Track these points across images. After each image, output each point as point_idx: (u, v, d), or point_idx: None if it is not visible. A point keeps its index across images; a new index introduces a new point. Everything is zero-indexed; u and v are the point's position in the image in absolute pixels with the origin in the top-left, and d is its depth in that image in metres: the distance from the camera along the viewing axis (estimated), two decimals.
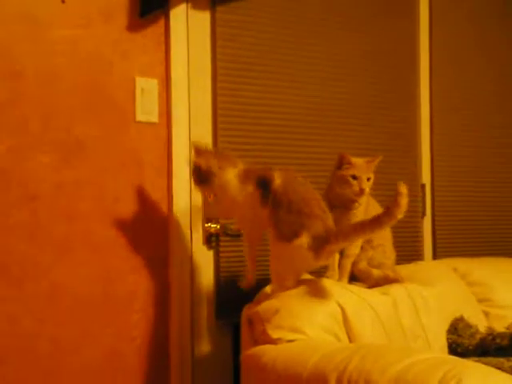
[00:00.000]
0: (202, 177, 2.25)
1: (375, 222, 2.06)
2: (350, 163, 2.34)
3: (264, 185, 2.19)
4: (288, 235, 2.11)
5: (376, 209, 2.44)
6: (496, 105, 3.42)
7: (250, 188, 2.21)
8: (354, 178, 2.32)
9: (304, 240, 2.10)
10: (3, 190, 2.24)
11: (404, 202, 2.03)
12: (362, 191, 2.32)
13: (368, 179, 2.34)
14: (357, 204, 2.35)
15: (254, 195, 2.20)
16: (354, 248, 2.34)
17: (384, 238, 2.43)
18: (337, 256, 2.32)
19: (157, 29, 2.51)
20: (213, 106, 2.61)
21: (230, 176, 2.22)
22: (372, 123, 3.01)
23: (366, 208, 2.38)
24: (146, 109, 2.48)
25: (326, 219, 2.16)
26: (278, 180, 2.18)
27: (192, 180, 2.36)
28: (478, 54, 3.36)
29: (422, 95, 3.18)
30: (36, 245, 2.29)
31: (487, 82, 3.39)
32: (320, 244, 2.09)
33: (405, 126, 3.12)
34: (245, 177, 2.23)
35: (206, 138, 2.59)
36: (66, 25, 2.35)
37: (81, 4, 2.37)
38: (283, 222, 2.13)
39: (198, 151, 2.29)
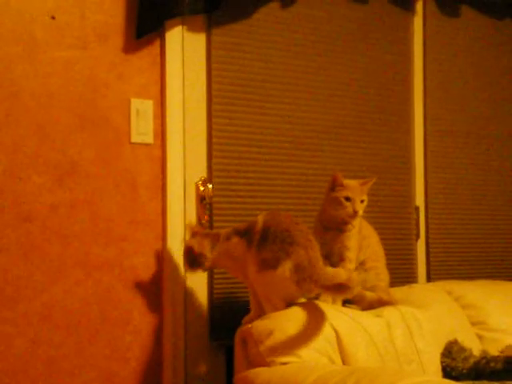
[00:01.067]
0: (193, 260, 2.28)
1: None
2: (342, 185, 2.34)
3: (247, 231, 2.21)
4: (271, 263, 2.12)
5: (369, 231, 2.45)
6: (490, 127, 3.43)
7: (235, 240, 2.24)
8: (348, 199, 2.32)
9: (286, 267, 2.10)
10: None
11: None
12: (355, 213, 2.32)
13: (362, 201, 2.33)
14: (350, 226, 2.35)
15: (240, 244, 2.22)
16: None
17: (377, 260, 2.43)
18: None
19: (152, 50, 2.52)
20: (207, 128, 2.62)
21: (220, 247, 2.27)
22: (365, 145, 3.01)
23: (360, 230, 2.37)
24: (141, 130, 2.49)
25: (311, 249, 2.14)
26: (260, 221, 2.20)
27: (183, 264, 2.38)
28: (472, 76, 3.38)
29: (416, 117, 3.19)
30: (30, 265, 2.28)
31: (481, 104, 3.40)
32: (302, 276, 2.09)
33: (398, 148, 3.12)
34: (229, 234, 2.26)
35: (200, 159, 2.60)
36: (62, 46, 2.36)
37: (77, 26, 2.38)
38: (267, 252, 2.13)
39: (193, 233, 2.33)
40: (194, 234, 2.33)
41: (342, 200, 2.32)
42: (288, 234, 2.14)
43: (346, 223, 2.34)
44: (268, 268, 2.12)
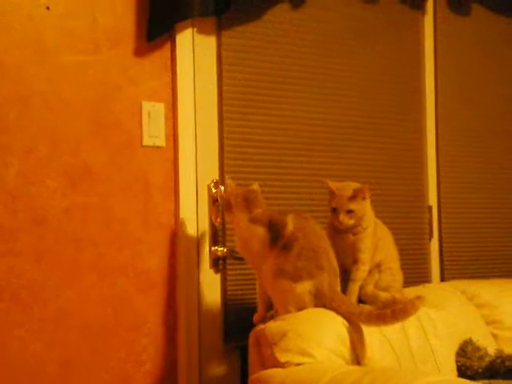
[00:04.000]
0: (228, 206, 2.28)
1: (378, 317, 2.06)
2: (333, 193, 2.30)
3: (276, 229, 2.20)
4: (293, 276, 2.12)
5: (384, 232, 2.43)
6: (503, 125, 3.42)
7: (261, 230, 2.22)
8: (334, 210, 2.29)
9: (307, 287, 2.12)
10: (11, 214, 2.25)
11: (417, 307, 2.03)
12: (340, 224, 2.28)
13: (349, 211, 2.27)
14: (359, 229, 2.31)
15: (265, 238, 2.21)
16: (362, 272, 2.32)
17: (393, 261, 2.42)
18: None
19: (163, 53, 2.53)
20: (219, 129, 2.62)
21: (244, 219, 2.24)
22: (378, 145, 3.01)
23: (375, 232, 2.36)
24: (153, 133, 2.50)
25: (333, 276, 2.17)
26: (290, 225, 2.18)
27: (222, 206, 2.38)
28: (484, 74, 3.37)
29: (428, 116, 3.18)
30: (44, 269, 2.29)
31: (493, 102, 3.39)
32: (320, 300, 2.13)
33: (410, 148, 3.12)
34: (257, 219, 2.23)
35: (212, 161, 2.60)
36: (73, 50, 2.37)
37: (88, 30, 2.39)
38: (290, 264, 2.13)
39: (235, 194, 2.30)
40: (235, 194, 2.30)
41: (331, 209, 2.30)
42: (315, 255, 2.14)
43: (352, 228, 2.31)
44: (287, 279, 2.13)
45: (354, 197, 2.26)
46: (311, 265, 2.13)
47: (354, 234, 2.31)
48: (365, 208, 2.29)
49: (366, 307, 2.27)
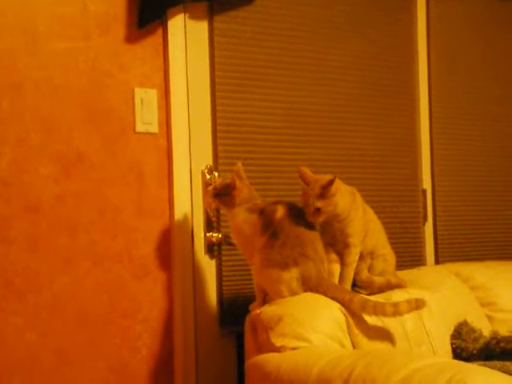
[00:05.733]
0: (224, 193, 2.26)
1: (363, 302, 2.10)
2: (303, 187, 2.22)
3: (266, 215, 2.21)
4: (280, 264, 2.14)
5: (372, 215, 2.42)
6: (497, 109, 3.41)
7: (254, 217, 2.23)
8: (305, 204, 2.21)
9: (294, 275, 2.13)
10: (4, 201, 2.25)
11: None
12: (313, 221, 2.23)
13: (317, 209, 2.18)
14: (339, 218, 2.25)
15: (257, 224, 2.22)
16: (354, 255, 2.30)
17: (384, 246, 2.42)
18: (338, 265, 2.31)
19: (155, 39, 2.51)
20: (212, 115, 2.62)
21: (242, 208, 2.25)
22: (371, 129, 3.01)
23: (365, 214, 2.35)
24: (146, 119, 2.49)
25: (320, 263, 2.18)
26: (279, 213, 2.20)
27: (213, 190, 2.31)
28: (477, 58, 3.36)
29: (422, 100, 3.18)
30: (38, 256, 2.29)
31: (487, 86, 3.39)
32: (308, 286, 2.14)
33: (404, 132, 3.12)
34: (253, 209, 2.25)
35: (205, 147, 2.60)
36: (64, 37, 2.36)
37: (79, 16, 2.38)
38: (277, 253, 2.15)
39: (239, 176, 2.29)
40: (240, 178, 2.28)
41: (302, 204, 2.23)
42: (299, 242, 2.16)
43: (331, 218, 2.26)
44: (274, 267, 2.14)
45: (321, 194, 2.17)
46: (296, 253, 2.14)
47: (339, 222, 2.28)
48: (336, 202, 2.20)
49: (360, 294, 2.27)
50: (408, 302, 2.11)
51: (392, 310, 2.09)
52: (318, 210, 2.18)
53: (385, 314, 2.10)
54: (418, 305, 2.11)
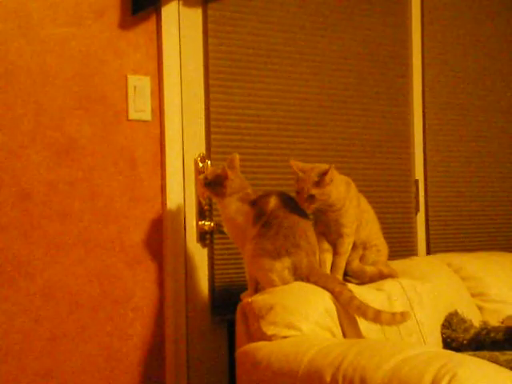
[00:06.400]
0: (220, 184, 2.25)
1: (351, 299, 2.09)
2: (296, 175, 2.21)
3: (259, 206, 2.22)
4: (272, 254, 2.14)
5: (366, 205, 2.42)
6: (490, 99, 3.42)
7: (247, 207, 2.23)
8: (297, 193, 2.21)
9: (286, 264, 2.14)
10: None
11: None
12: (305, 208, 2.22)
13: (310, 196, 2.18)
14: (334, 208, 2.25)
15: (249, 214, 2.23)
16: (347, 245, 2.31)
17: (377, 237, 2.42)
18: (329, 255, 2.31)
19: (148, 26, 2.50)
20: (205, 103, 2.61)
21: (234, 198, 2.25)
22: (364, 119, 3.01)
23: (359, 204, 2.35)
24: (139, 107, 2.48)
25: (312, 254, 2.19)
26: (272, 203, 2.20)
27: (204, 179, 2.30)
28: (472, 49, 3.36)
29: (415, 90, 3.18)
30: (30, 243, 2.28)
31: (481, 77, 3.39)
32: (300, 276, 2.15)
33: (397, 122, 3.12)
34: (245, 198, 2.25)
35: (198, 135, 2.59)
36: (57, 23, 2.34)
37: (72, 2, 2.36)
38: (269, 242, 2.15)
39: (233, 166, 2.28)
40: (233, 168, 2.27)
41: (295, 192, 2.22)
42: (292, 232, 2.16)
43: (325, 208, 2.26)
44: (266, 257, 2.15)
45: (317, 182, 2.18)
46: (289, 243, 2.15)
47: (333, 212, 2.28)
48: (330, 192, 2.20)
49: (351, 283, 2.28)
50: (393, 314, 2.07)
51: (372, 316, 2.05)
52: (312, 197, 2.18)
53: (365, 317, 2.07)
54: (402, 317, 2.06)
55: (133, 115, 2.48)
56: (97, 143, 2.41)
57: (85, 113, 2.39)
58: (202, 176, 2.32)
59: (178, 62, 2.55)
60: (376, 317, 2.06)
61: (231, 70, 2.66)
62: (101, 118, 2.42)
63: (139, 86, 2.48)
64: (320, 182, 2.18)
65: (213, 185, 2.26)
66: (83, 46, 2.39)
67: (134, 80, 2.47)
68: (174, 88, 2.54)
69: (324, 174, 2.17)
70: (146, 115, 2.50)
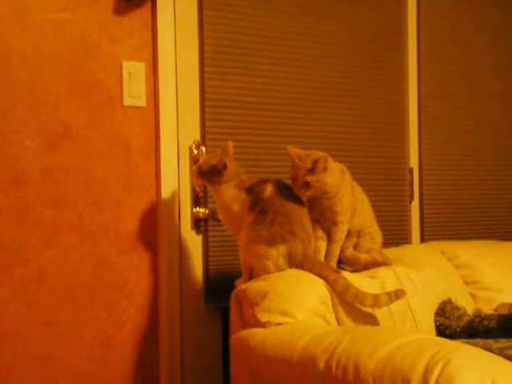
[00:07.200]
0: (210, 172, 2.24)
1: (346, 287, 2.10)
2: (293, 161, 2.22)
3: (255, 193, 2.22)
4: (267, 241, 2.14)
5: (360, 193, 2.42)
6: (486, 87, 3.42)
7: (243, 195, 2.23)
8: (293, 180, 2.22)
9: (281, 252, 2.14)
10: None
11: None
12: (300, 195, 2.22)
13: (305, 183, 2.19)
14: (328, 196, 2.25)
15: (246, 202, 2.23)
16: (341, 232, 2.31)
17: (371, 224, 2.42)
18: (324, 242, 2.32)
19: (143, 12, 2.49)
20: (200, 90, 2.60)
21: (230, 185, 2.24)
22: (359, 106, 3.01)
23: (353, 191, 2.35)
24: (134, 93, 2.47)
25: (307, 241, 2.19)
26: (268, 190, 2.20)
27: (199, 169, 2.28)
28: (467, 36, 3.36)
29: (410, 77, 3.18)
30: (24, 229, 2.28)
31: (477, 64, 3.39)
32: (294, 263, 2.15)
33: (392, 109, 3.12)
34: (241, 185, 2.25)
35: (193, 122, 2.59)
36: (52, 8, 2.33)
37: None
38: (265, 229, 2.15)
39: (226, 153, 2.28)
40: (226, 155, 2.27)
41: (291, 179, 2.23)
42: (288, 220, 2.16)
43: (320, 195, 2.26)
44: (262, 243, 2.15)
45: (312, 169, 2.18)
46: (284, 230, 2.15)
47: (328, 199, 2.28)
48: (325, 180, 2.20)
49: (346, 271, 2.28)
50: (388, 294, 2.11)
51: (371, 302, 2.09)
52: (307, 183, 2.19)
53: (363, 304, 2.10)
54: (397, 296, 2.10)
55: (127, 101, 2.47)
56: (91, 129, 2.40)
57: (79, 99, 2.38)
58: (195, 167, 2.31)
59: (173, 48, 2.54)
60: (375, 302, 2.09)
61: (227, 56, 2.65)
62: (95, 104, 2.41)
63: (134, 72, 2.47)
64: (315, 168, 2.18)
65: (207, 174, 2.25)
66: (78, 32, 2.37)
67: (128, 66, 2.46)
68: (168, 74, 2.53)
69: (320, 160, 2.18)
70: (141, 101, 2.49)
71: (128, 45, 2.46)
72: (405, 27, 3.16)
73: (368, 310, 2.15)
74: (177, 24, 2.54)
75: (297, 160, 2.21)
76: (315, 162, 2.18)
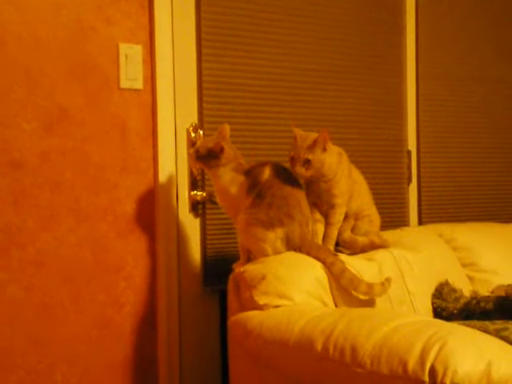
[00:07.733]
0: (207, 155, 2.23)
1: (343, 271, 2.11)
2: (294, 141, 2.22)
3: (253, 176, 2.21)
4: (265, 224, 2.14)
5: (358, 176, 2.41)
6: (483, 71, 3.41)
7: (241, 178, 2.23)
8: (292, 159, 2.22)
9: (278, 235, 2.15)
10: None
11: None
12: (297, 175, 2.22)
13: (305, 162, 2.19)
14: (326, 178, 2.26)
15: (244, 185, 2.22)
16: (339, 215, 2.31)
17: (369, 207, 2.42)
18: (321, 225, 2.32)
19: None
20: (198, 72, 2.59)
21: (227, 168, 2.24)
22: (357, 89, 3.00)
23: (350, 174, 2.35)
24: (131, 75, 2.46)
25: (305, 225, 2.19)
26: (266, 173, 2.20)
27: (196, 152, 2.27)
28: (466, 19, 3.35)
29: (408, 60, 3.17)
30: (21, 212, 2.28)
31: (475, 47, 3.38)
32: (292, 246, 2.16)
33: (390, 92, 3.11)
34: (238, 169, 2.25)
35: (190, 105, 2.58)
36: None
37: None
38: (262, 212, 2.15)
39: (223, 136, 2.27)
40: (223, 138, 2.26)
41: (290, 159, 2.23)
42: (286, 203, 2.16)
43: (317, 178, 2.26)
44: (260, 226, 2.15)
45: (312, 147, 2.19)
46: (282, 213, 2.15)
47: (326, 182, 2.28)
48: (324, 160, 2.21)
49: (343, 254, 2.29)
50: (382, 284, 2.13)
51: (365, 290, 2.10)
52: (308, 161, 2.19)
53: (357, 291, 2.10)
54: (389, 284, 2.13)
55: (124, 84, 2.46)
56: (88, 112, 2.39)
57: (76, 81, 2.37)
58: (191, 150, 2.30)
59: (170, 30, 2.53)
60: (368, 291, 2.10)
61: (224, 38, 2.64)
62: (92, 86, 2.40)
63: (131, 55, 2.46)
64: (315, 147, 2.19)
65: (205, 158, 2.24)
66: (74, 14, 2.36)
67: (125, 48, 2.45)
68: (165, 57, 2.52)
69: (318, 139, 2.19)
70: (138, 84, 2.48)
71: (125, 27, 2.45)
72: (403, 9, 3.14)
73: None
74: (174, 5, 2.53)
75: (299, 139, 2.22)
76: (315, 141, 2.19)
